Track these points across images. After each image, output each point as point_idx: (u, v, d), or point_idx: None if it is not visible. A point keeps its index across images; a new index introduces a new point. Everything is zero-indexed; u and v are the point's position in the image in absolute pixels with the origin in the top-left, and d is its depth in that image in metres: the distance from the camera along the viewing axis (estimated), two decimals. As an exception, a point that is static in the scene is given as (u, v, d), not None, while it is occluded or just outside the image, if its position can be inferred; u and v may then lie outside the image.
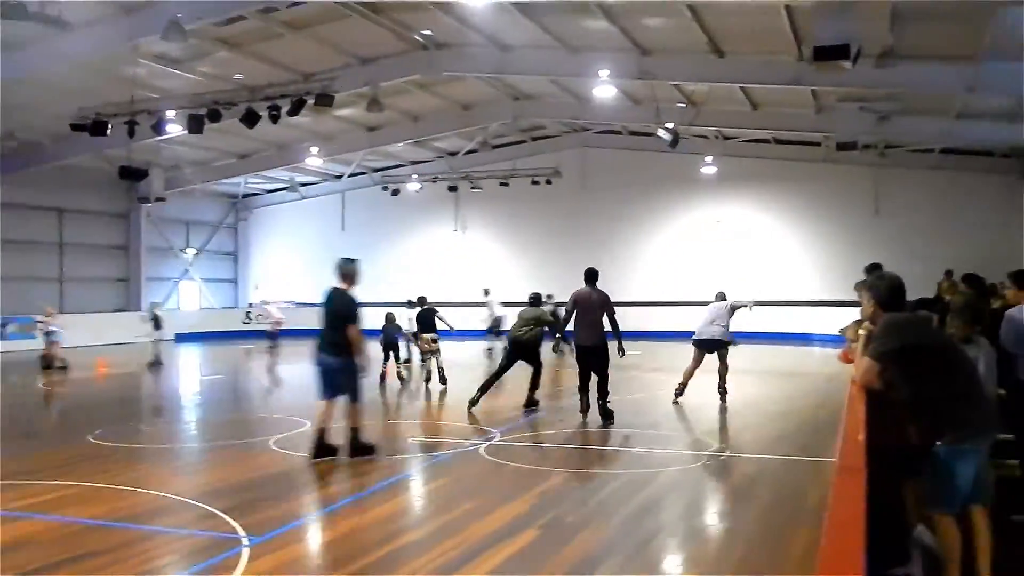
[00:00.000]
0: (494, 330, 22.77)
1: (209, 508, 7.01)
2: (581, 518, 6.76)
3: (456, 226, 34.72)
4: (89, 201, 31.33)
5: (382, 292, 29.52)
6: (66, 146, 26.05)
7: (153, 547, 6.19)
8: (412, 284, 31.75)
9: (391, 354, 16.95)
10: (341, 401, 9.16)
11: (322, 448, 8.91)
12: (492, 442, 10.13)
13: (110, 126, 20.32)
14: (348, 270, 9.22)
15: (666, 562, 5.97)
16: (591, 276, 11.87)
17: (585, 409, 11.65)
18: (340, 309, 8.98)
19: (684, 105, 24.06)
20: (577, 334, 11.68)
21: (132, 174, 25.35)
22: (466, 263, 33.90)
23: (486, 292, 24.63)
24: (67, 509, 7.13)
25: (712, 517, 7.21)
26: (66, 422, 13.64)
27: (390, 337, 16.88)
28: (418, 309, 16.89)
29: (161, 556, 5.97)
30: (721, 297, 14.04)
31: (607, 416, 11.35)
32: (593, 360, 11.52)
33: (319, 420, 9.07)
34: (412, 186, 32.69)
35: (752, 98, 23.35)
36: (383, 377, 16.42)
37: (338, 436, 9.15)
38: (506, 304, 23.00)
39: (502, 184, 30.97)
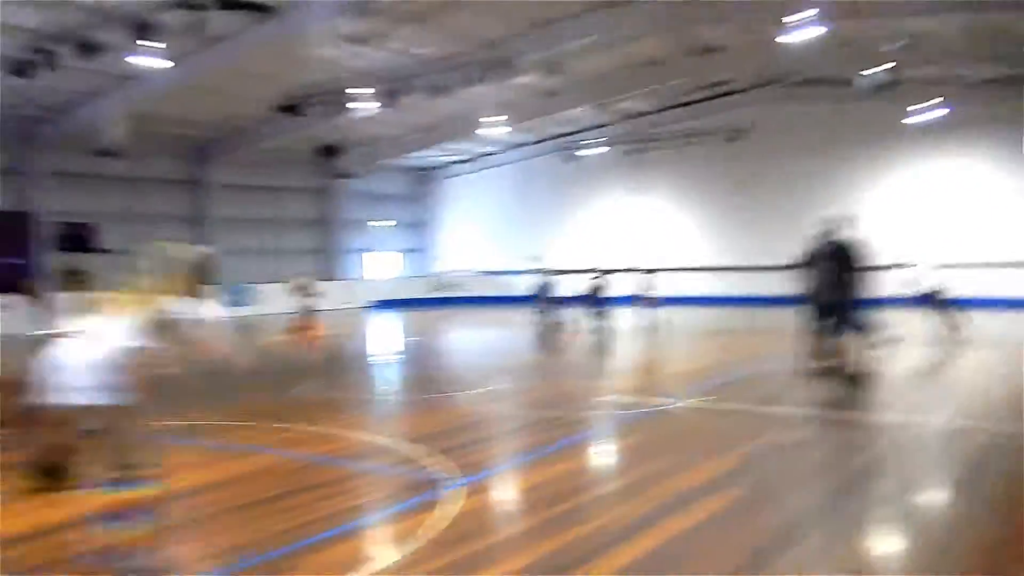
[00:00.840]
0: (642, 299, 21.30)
1: (417, 451, 7.63)
2: (791, 479, 6.77)
3: (637, 190, 34.51)
4: (291, 179, 33.96)
5: (565, 259, 30.06)
6: (270, 129, 28.22)
7: (369, 483, 6.87)
8: (594, 251, 32.08)
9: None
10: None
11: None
12: (697, 401, 10.27)
13: (309, 108, 21.85)
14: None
15: (879, 535, 5.59)
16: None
17: (820, 373, 10.73)
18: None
19: (899, 45, 21.46)
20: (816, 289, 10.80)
21: (328, 152, 27.07)
22: (648, 228, 33.67)
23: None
24: (294, 447, 7.99)
25: (938, 493, 6.58)
26: (282, 377, 14.94)
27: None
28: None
29: (377, 491, 6.65)
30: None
31: (851, 380, 10.51)
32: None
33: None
34: (592, 151, 32.78)
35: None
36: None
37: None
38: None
39: (686, 144, 30.47)
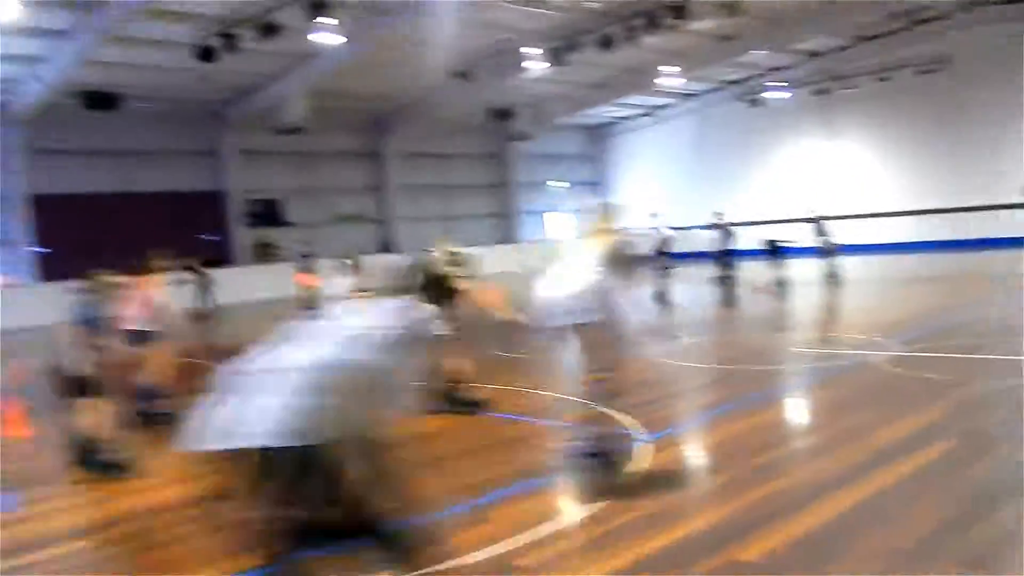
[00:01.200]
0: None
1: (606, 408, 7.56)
2: (1005, 429, 6.20)
3: (826, 134, 32.56)
4: (466, 145, 34.72)
5: (747, 211, 28.99)
6: (444, 96, 28.86)
7: (559, 439, 6.85)
8: (778, 201, 30.71)
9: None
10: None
11: None
12: (897, 351, 9.60)
13: (480, 72, 22.12)
14: None
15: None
16: None
17: None
18: None
19: None
20: None
21: (501, 115, 27.38)
22: (839, 174, 31.73)
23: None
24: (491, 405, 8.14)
25: None
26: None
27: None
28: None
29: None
30: None
31: None
32: None
33: None
34: (775, 95, 31.26)
35: None
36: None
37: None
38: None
39: (880, 80, 28.40)
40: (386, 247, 31.86)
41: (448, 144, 34.12)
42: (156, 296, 8.50)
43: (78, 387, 6.49)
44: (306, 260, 20.80)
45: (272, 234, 29.00)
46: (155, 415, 8.04)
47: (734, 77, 33.14)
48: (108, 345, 6.85)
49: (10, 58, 20.95)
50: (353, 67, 23.78)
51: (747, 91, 32.20)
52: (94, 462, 6.57)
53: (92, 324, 6.67)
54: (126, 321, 7.80)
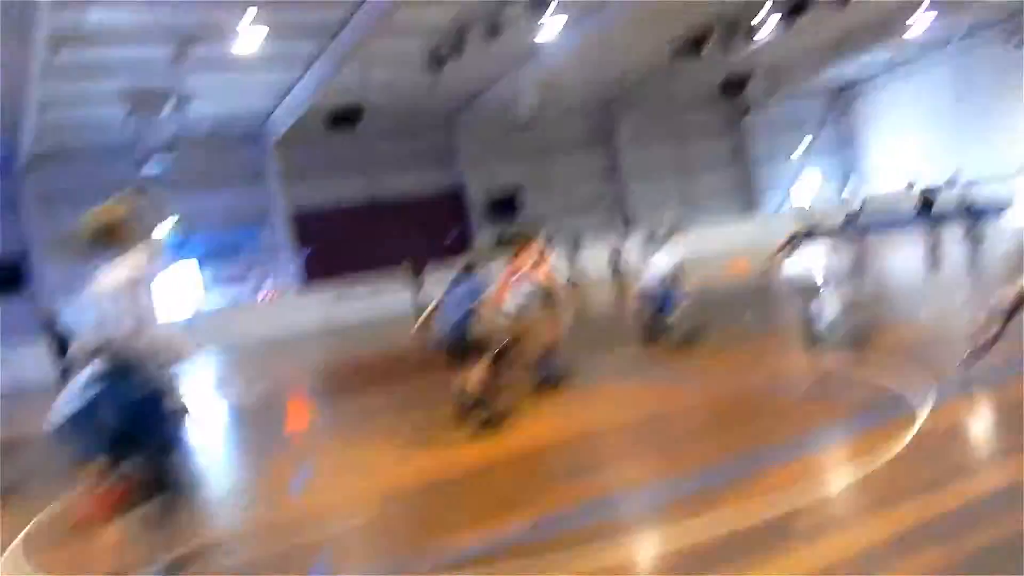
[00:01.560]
0: None
1: (871, 371, 7.07)
2: None
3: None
4: (698, 120, 33.98)
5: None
6: (672, 73, 28.36)
7: (827, 405, 6.49)
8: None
9: None
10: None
11: None
12: None
13: (708, 43, 21.43)
14: None
15: None
16: None
17: None
18: None
19: None
20: None
21: (733, 87, 26.44)
22: None
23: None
24: (745, 372, 7.89)
25: None
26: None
27: None
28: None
29: (835, 412, 6.29)
30: None
31: None
32: None
33: None
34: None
35: None
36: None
37: None
38: None
39: None
40: (624, 229, 31.92)
41: (681, 121, 33.53)
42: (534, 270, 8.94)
43: (466, 350, 7.37)
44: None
45: (512, 226, 29.83)
46: (546, 377, 8.65)
47: (996, 14, 29.76)
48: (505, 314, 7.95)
49: (260, 89, 23.14)
50: (579, 55, 23.93)
51: (1013, 30, 28.78)
52: (475, 416, 7.28)
53: (473, 297, 7.53)
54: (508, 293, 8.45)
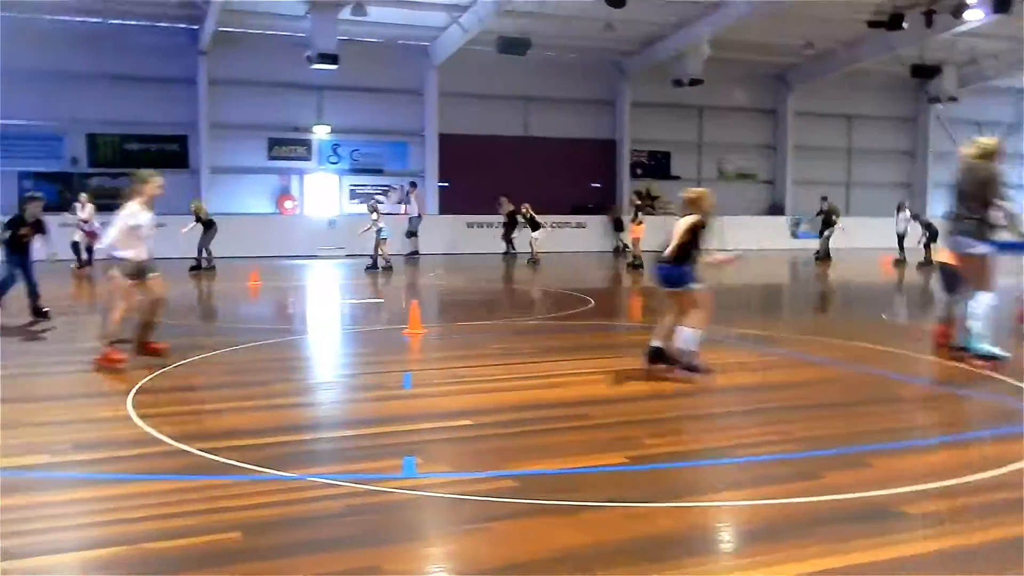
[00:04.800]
0: None
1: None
2: None
3: None
4: (876, 106, 32.20)
5: None
6: (858, 50, 27.00)
7: (954, 404, 6.21)
8: None
9: None
10: None
11: None
12: None
13: (906, 19, 20.27)
14: None
15: None
16: None
17: None
18: None
19: None
20: None
21: (924, 72, 24.92)
22: None
23: None
24: (864, 362, 7.61)
25: None
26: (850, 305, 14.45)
27: None
28: None
29: (963, 412, 5.98)
30: None
31: None
32: None
33: None
34: None
35: None
36: None
37: None
38: None
39: None
40: (774, 209, 30.97)
41: (856, 104, 31.86)
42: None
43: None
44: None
45: (656, 186, 29.49)
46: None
47: None
48: None
49: (440, 5, 23.44)
50: (760, 17, 23.09)
51: None
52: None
53: None
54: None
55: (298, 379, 7.69)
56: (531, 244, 21.99)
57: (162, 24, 23.60)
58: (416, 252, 23.29)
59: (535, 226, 22.23)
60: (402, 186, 26.28)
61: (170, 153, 24.57)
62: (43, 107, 23.02)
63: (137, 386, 6.56)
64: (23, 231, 10.65)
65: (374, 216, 19.06)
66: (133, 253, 7.56)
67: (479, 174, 26.63)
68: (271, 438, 5.32)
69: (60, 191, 23.08)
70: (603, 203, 28.30)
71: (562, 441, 5.31)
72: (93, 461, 4.83)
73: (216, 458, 4.73)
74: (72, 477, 4.57)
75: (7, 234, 10.67)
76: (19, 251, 10.62)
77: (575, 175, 28.10)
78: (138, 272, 7.64)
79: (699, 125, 30.61)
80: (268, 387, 6.93)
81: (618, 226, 26.63)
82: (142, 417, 5.63)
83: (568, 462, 4.80)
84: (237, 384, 7.14)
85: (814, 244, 24.05)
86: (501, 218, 24.66)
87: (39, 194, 12.11)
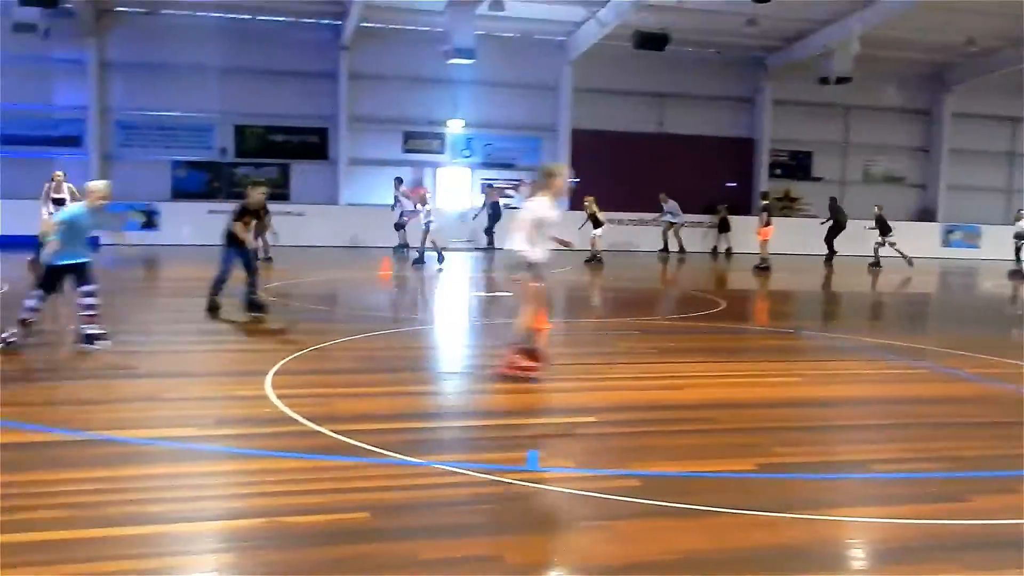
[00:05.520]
0: None
1: None
2: None
3: None
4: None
5: None
6: (1020, 50, 25.40)
7: None
8: None
9: None
10: None
11: None
12: None
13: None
14: None
15: None
16: None
17: None
18: None
19: None
20: None
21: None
22: None
23: None
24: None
25: None
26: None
27: None
28: None
29: None
30: None
31: None
32: None
33: None
34: None
35: None
36: None
37: None
38: None
39: None
40: (924, 214, 29.56)
41: (1017, 107, 29.94)
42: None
43: None
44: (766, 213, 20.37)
45: (796, 187, 28.63)
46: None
47: None
48: None
49: (577, 0, 23.49)
50: (916, 11, 22.03)
51: None
52: None
53: None
54: None
55: (426, 368, 7.91)
56: (592, 242, 21.04)
57: (306, 20, 24.57)
58: (405, 245, 20.91)
59: (597, 223, 21.35)
60: (523, 180, 26.45)
61: (311, 144, 25.60)
62: (195, 99, 24.36)
63: (274, 368, 6.89)
64: (246, 219, 9.97)
65: (426, 207, 18.80)
66: (540, 253, 6.91)
67: (610, 171, 26.53)
68: (400, 423, 5.52)
69: (209, 180, 24.46)
70: (738, 204, 27.71)
71: (687, 444, 5.27)
72: (234, 436, 5.12)
73: (348, 440, 4.93)
74: (214, 450, 4.86)
75: (235, 224, 9.92)
76: (237, 242, 9.84)
77: (709, 174, 27.55)
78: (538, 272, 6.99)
79: (845, 125, 29.44)
80: (397, 374, 7.15)
81: (723, 227, 25.95)
82: (279, 398, 5.93)
83: (693, 465, 4.76)
84: (368, 370, 7.40)
85: (968, 253, 22.88)
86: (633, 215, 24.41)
87: (261, 179, 11.91)
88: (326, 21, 24.57)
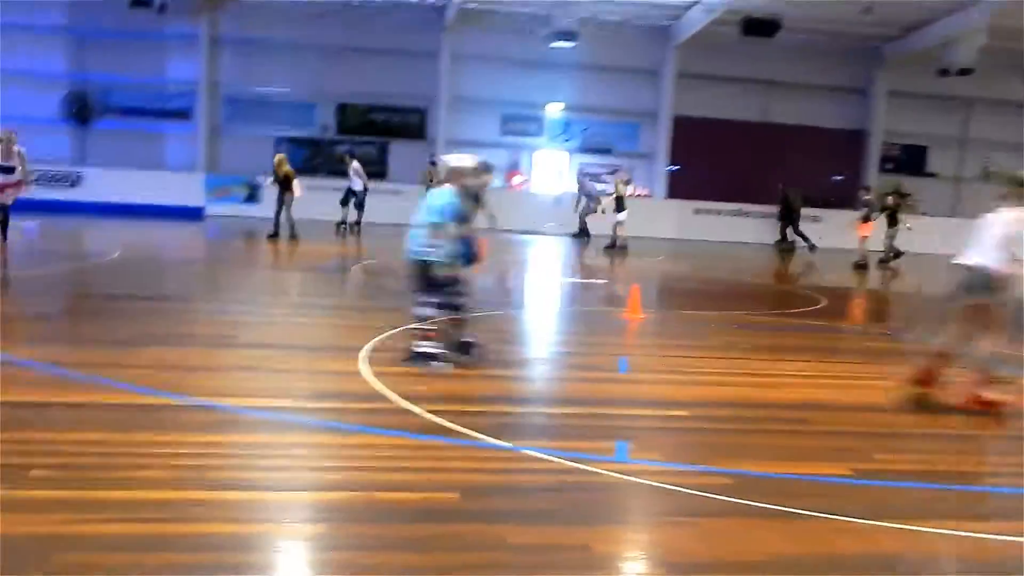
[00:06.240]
0: None
1: None
2: None
3: None
4: None
5: None
6: None
7: None
8: None
9: None
10: None
11: None
12: None
13: None
14: None
15: None
16: None
17: None
18: None
19: None
20: None
21: None
22: None
23: None
24: None
25: None
26: None
27: None
28: None
29: None
30: None
31: None
32: None
33: None
34: None
35: None
36: None
37: None
38: None
39: None
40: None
41: None
42: None
43: None
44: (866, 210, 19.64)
45: (908, 183, 27.70)
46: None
47: None
48: None
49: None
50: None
51: None
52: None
53: None
54: None
55: (517, 352, 7.97)
56: (614, 228, 20.06)
57: (410, 1, 24.92)
58: (343, 222, 20.48)
59: (621, 207, 20.11)
60: (620, 167, 26.24)
61: (410, 124, 26.01)
62: (298, 77, 25.04)
63: (368, 345, 7.07)
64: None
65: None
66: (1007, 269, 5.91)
67: (710, 159, 26.17)
68: (490, 407, 5.61)
69: (310, 156, 25.09)
70: (847, 197, 26.92)
71: (781, 444, 5.20)
72: (327, 410, 5.28)
73: (439, 420, 5.04)
74: (309, 422, 5.04)
75: None
76: None
77: (815, 165, 26.86)
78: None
79: (964, 119, 28.29)
80: (490, 358, 7.23)
81: (787, 217, 24.38)
82: (374, 375, 6.09)
83: (786, 466, 4.69)
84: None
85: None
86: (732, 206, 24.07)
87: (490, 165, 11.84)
88: (430, 2, 24.85)
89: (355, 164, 20.15)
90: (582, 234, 22.04)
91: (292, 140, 25.06)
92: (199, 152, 24.84)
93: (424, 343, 6.43)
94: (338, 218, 20.47)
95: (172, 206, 22.38)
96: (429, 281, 6.40)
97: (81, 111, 24.22)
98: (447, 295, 6.42)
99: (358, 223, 20.32)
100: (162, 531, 3.40)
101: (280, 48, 24.38)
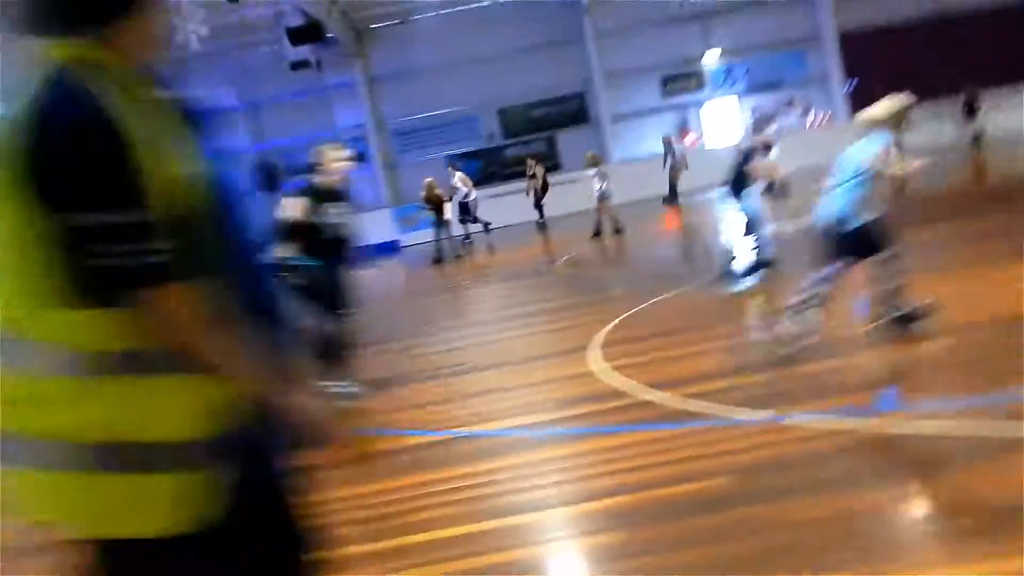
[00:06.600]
0: None
1: None
2: None
3: None
4: None
5: None
6: None
7: None
8: None
9: None
10: None
11: None
12: None
13: None
14: None
15: None
16: None
17: None
18: None
19: None
20: None
21: None
22: None
23: None
24: None
25: None
26: None
27: None
28: None
29: None
30: None
31: None
32: None
33: None
34: None
35: None
36: None
37: None
38: None
39: None
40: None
41: None
42: None
43: None
44: None
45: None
46: None
47: None
48: None
49: None
50: None
51: None
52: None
53: None
54: None
55: (734, 321, 7.51)
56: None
57: (543, -8, 24.92)
58: (467, 237, 19.33)
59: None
60: (793, 97, 24.95)
61: (572, 111, 26.03)
62: (455, 94, 25.59)
63: (590, 343, 7.08)
64: None
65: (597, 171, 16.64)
66: None
67: (886, 72, 24.33)
68: (727, 381, 5.38)
69: (483, 167, 25.63)
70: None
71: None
72: (577, 416, 5.32)
73: (685, 406, 4.96)
74: (561, 432, 5.09)
75: None
76: None
77: (998, 51, 23.98)
78: None
79: None
80: (713, 329, 7.03)
81: (970, 112, 21.03)
82: (608, 371, 6.09)
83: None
84: (684, 329, 7.30)
85: None
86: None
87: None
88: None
89: (458, 174, 19.39)
90: (672, 197, 20.19)
91: (463, 155, 25.65)
92: (381, 188, 25.91)
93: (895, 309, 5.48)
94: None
95: (371, 244, 23.38)
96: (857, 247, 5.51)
97: (269, 178, 25.83)
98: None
99: (486, 227, 18.96)
100: (466, 567, 3.49)
101: (432, 71, 25.04)
